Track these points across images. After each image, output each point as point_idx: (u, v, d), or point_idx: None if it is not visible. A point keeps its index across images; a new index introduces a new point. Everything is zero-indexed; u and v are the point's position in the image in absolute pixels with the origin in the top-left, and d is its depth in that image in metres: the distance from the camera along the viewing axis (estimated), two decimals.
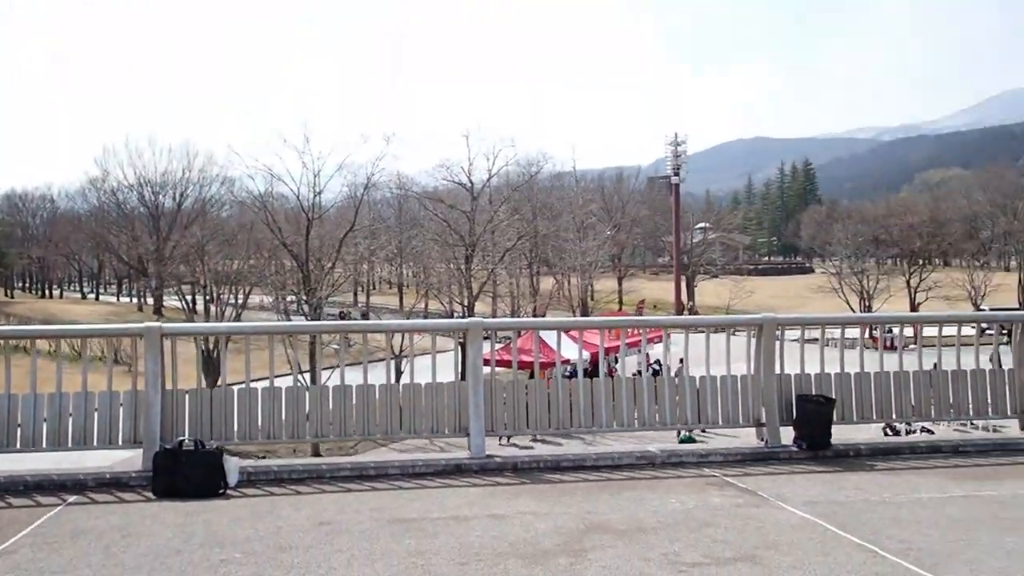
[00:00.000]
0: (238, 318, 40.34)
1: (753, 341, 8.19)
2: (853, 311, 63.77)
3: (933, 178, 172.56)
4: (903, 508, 6.14)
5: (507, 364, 10.36)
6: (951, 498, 6.45)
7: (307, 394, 7.35)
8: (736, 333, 8.49)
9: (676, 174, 78.11)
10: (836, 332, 8.70)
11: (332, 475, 6.89)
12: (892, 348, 8.75)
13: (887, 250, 78.14)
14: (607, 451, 7.85)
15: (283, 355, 10.90)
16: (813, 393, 8.13)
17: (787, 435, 8.02)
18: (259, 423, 7.22)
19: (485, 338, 7.96)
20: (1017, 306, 66.86)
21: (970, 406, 8.43)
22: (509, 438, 15.62)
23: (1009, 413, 8.57)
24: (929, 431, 13.02)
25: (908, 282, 67.58)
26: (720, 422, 8.11)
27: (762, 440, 8.09)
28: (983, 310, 65.44)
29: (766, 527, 5.63)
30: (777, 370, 8.15)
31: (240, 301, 42.27)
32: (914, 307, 65.97)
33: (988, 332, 9.88)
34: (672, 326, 8.59)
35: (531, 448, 16.91)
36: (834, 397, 8.11)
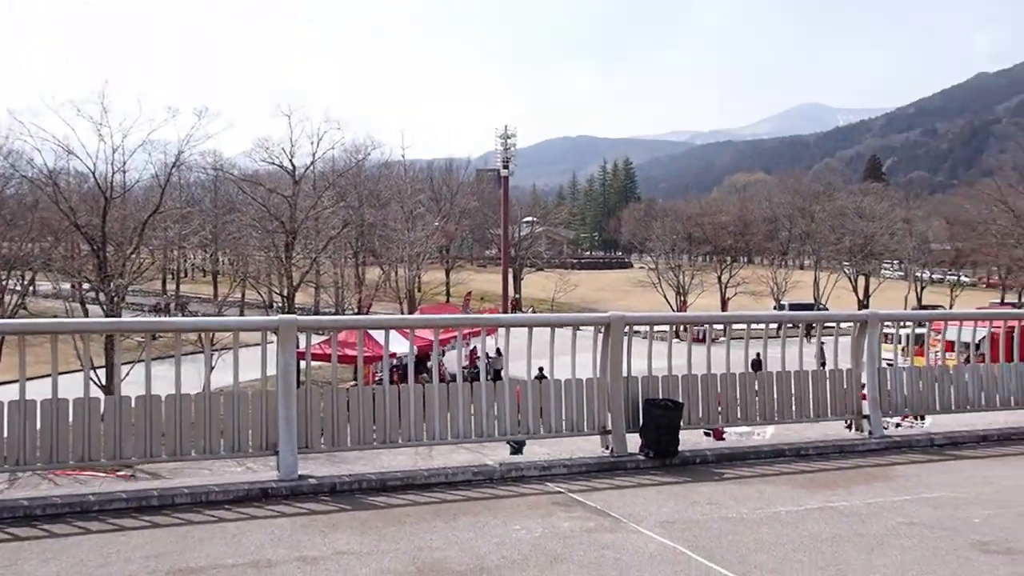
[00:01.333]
0: (21, 307, 36.24)
1: (599, 342, 7.53)
2: (671, 305, 66.23)
3: (740, 181, 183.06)
4: (763, 526, 5.62)
5: (328, 358, 9.24)
6: (808, 512, 6.01)
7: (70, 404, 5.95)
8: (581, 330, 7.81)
9: (505, 167, 78.24)
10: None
11: (102, 508, 5.52)
12: (701, 341, 8.40)
13: (700, 247, 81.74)
14: (440, 466, 6.94)
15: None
16: (660, 397, 7.59)
17: (633, 442, 7.44)
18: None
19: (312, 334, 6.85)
20: (812, 301, 71.66)
21: (811, 408, 8.17)
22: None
23: (846, 414, 8.39)
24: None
25: (719, 278, 70.88)
26: (564, 430, 7.39)
27: (607, 448, 7.45)
28: (783, 306, 69.82)
29: (624, 559, 4.90)
30: (624, 372, 7.54)
31: (24, 287, 37.90)
32: (724, 302, 69.32)
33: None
34: (513, 324, 7.79)
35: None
36: (682, 401, 7.60)
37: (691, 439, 8.02)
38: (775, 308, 70.32)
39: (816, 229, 75.87)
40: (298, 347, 7.02)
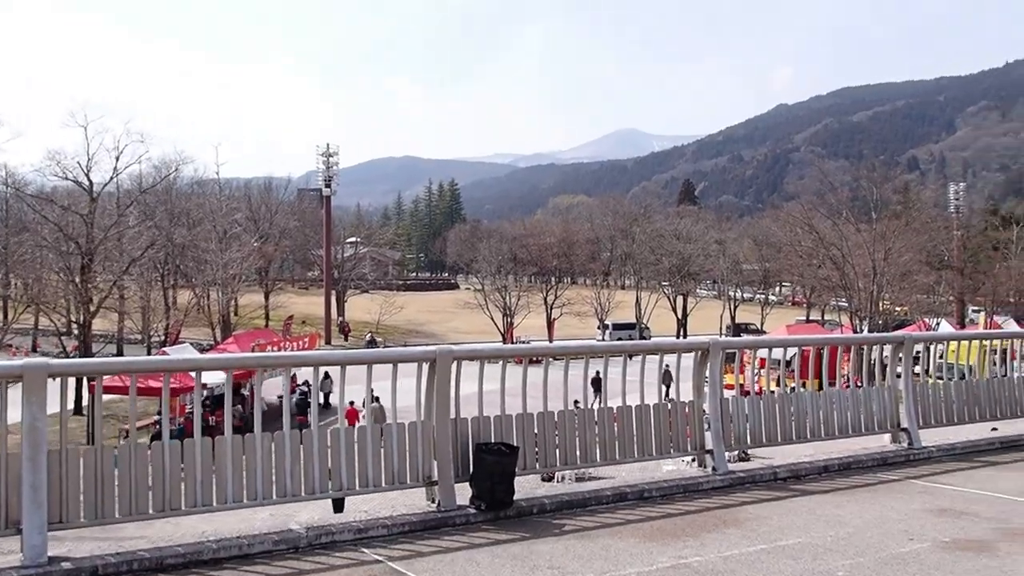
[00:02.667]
0: None
1: (424, 379, 6.58)
2: (497, 327, 66.17)
3: (563, 203, 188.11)
4: None
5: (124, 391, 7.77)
6: (660, 572, 5.29)
7: None
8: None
9: (327, 186, 75.99)
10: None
11: None
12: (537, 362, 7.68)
13: (525, 268, 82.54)
14: (232, 536, 5.73)
15: None
16: (493, 441, 6.72)
17: (463, 493, 6.53)
18: None
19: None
20: (634, 320, 73.83)
21: (653, 446, 7.55)
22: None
23: (689, 449, 7.86)
24: None
25: (545, 299, 71.66)
26: (384, 483, 6.38)
27: (434, 502, 6.49)
28: (607, 326, 71.48)
29: None
30: (453, 414, 6.62)
31: None
32: (550, 323, 70.09)
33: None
34: (321, 363, 6.72)
35: None
36: (517, 445, 6.76)
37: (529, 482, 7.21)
38: (599, 328, 71.90)
39: (637, 250, 78.37)
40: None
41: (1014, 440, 9.70)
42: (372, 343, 67.00)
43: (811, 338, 10.10)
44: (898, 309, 49.81)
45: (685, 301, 76.51)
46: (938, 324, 51.30)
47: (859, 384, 9.31)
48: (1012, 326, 51.39)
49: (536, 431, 7.01)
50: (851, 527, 6.33)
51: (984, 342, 10.00)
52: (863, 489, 7.61)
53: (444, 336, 75.30)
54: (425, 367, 6.57)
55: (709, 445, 7.81)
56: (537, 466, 7.02)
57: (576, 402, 7.34)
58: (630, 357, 7.86)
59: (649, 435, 7.52)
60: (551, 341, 67.19)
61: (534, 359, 7.72)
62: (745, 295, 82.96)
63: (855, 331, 45.13)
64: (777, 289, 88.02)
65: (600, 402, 7.62)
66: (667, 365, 8.30)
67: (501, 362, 7.00)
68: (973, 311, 63.14)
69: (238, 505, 5.90)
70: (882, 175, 55.57)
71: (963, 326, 55.41)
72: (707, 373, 7.87)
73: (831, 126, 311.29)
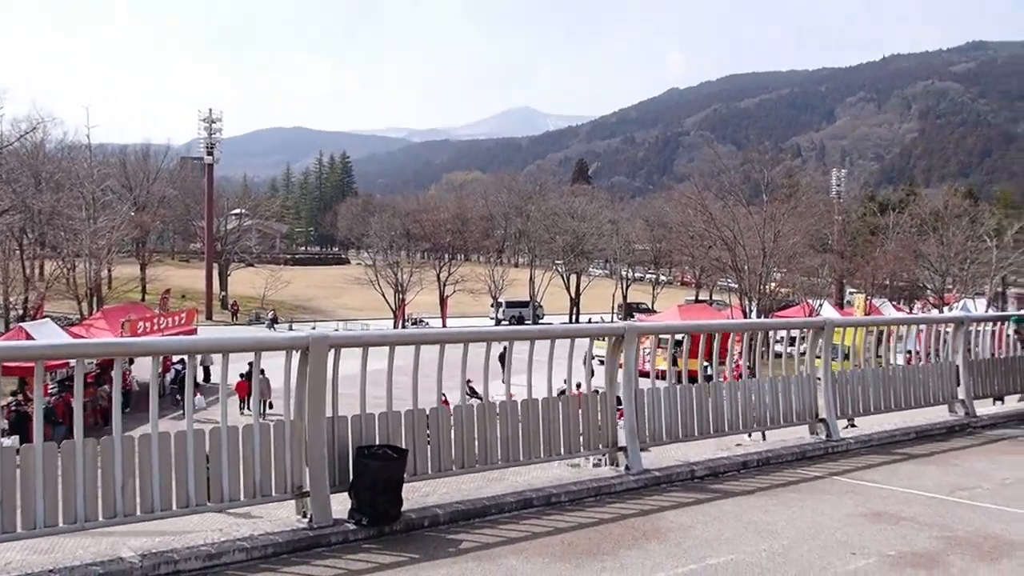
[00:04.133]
0: None
1: (295, 371, 5.48)
2: (389, 304, 64.64)
3: (457, 179, 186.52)
4: None
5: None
6: None
7: None
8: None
9: (210, 154, 72.45)
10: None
11: None
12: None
13: (419, 244, 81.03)
14: (46, 571, 4.52)
15: None
16: (377, 443, 5.69)
17: (341, 504, 5.50)
18: None
19: None
20: (528, 299, 73.55)
21: (562, 443, 6.68)
22: None
23: (601, 447, 7.00)
24: None
25: (438, 275, 70.46)
26: (243, 496, 5.27)
27: (305, 517, 5.43)
28: (500, 303, 70.93)
29: None
30: (329, 411, 5.56)
31: None
32: (443, 300, 68.99)
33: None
34: (158, 352, 5.55)
35: None
36: (405, 447, 5.75)
37: (418, 490, 6.20)
38: (492, 305, 71.29)
39: (531, 228, 77.93)
40: None
41: (926, 430, 9.30)
42: (274, 322, 64.52)
43: (729, 323, 9.47)
44: (783, 290, 50.94)
45: (578, 280, 76.66)
46: (821, 306, 52.81)
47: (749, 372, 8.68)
48: (888, 309, 53.41)
49: (429, 429, 6.02)
50: (785, 538, 5.60)
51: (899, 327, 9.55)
52: (787, 489, 6.94)
53: (332, 312, 73.23)
54: (295, 356, 5.47)
55: (622, 441, 6.98)
56: (429, 470, 6.02)
57: (471, 388, 6.39)
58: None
59: (557, 431, 6.65)
60: (444, 318, 66.18)
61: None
62: (636, 275, 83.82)
63: (744, 312, 45.85)
64: (668, 269, 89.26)
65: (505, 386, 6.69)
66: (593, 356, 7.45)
67: (388, 349, 5.95)
68: (850, 293, 65.42)
69: (51, 530, 4.70)
70: (773, 158, 56.72)
71: (842, 308, 57.29)
72: (621, 361, 7.04)
73: (720, 111, 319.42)
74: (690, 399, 7.49)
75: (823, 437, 8.42)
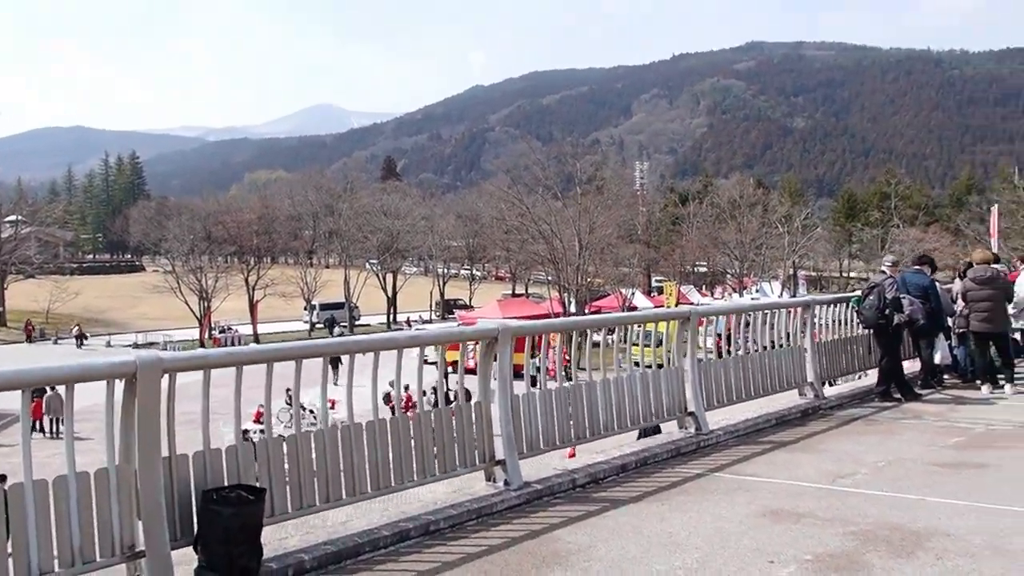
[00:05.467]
0: None
1: (119, 405, 4.42)
2: (193, 312, 60.84)
3: (261, 178, 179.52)
4: None
5: None
6: None
7: None
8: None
9: None
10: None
11: None
12: None
13: (223, 247, 76.98)
14: None
15: None
16: (228, 483, 4.73)
17: (186, 562, 4.51)
18: None
19: None
20: (344, 300, 71.55)
21: (435, 462, 5.93)
22: None
23: (477, 462, 6.31)
24: None
25: (246, 279, 67.15)
26: (58, 568, 4.16)
27: None
28: (314, 306, 68.54)
29: None
30: (166, 450, 4.53)
31: None
32: (253, 305, 65.80)
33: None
34: None
35: None
36: (263, 486, 4.82)
37: (276, 531, 5.26)
38: (305, 308, 68.78)
39: (343, 227, 75.82)
40: None
41: (784, 415, 9.29)
42: (82, 339, 58.94)
43: (605, 318, 9.00)
44: (597, 281, 52.26)
45: (395, 279, 75.48)
46: (633, 295, 54.69)
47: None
48: (695, 294, 56.11)
49: (287, 461, 5.11)
50: (695, 550, 5.13)
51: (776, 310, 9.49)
52: (675, 491, 6.53)
53: (129, 324, 68.25)
54: (119, 387, 4.40)
55: (500, 454, 6.32)
56: (290, 508, 5.10)
57: (310, 410, 5.50)
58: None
59: (430, 449, 5.90)
60: (255, 325, 63.09)
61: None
62: (452, 271, 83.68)
63: (563, 305, 46.58)
64: (483, 265, 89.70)
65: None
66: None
67: (235, 370, 4.98)
68: (657, 281, 68.35)
69: None
70: (582, 152, 58.09)
71: (649, 295, 59.69)
72: (495, 366, 6.39)
73: (524, 107, 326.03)
74: (566, 402, 6.96)
75: (692, 431, 8.15)
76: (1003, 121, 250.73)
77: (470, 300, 77.72)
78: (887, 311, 9.96)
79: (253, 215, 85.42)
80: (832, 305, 10.69)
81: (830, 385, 11.18)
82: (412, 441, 5.79)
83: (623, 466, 7.16)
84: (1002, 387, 10.65)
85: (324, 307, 69.13)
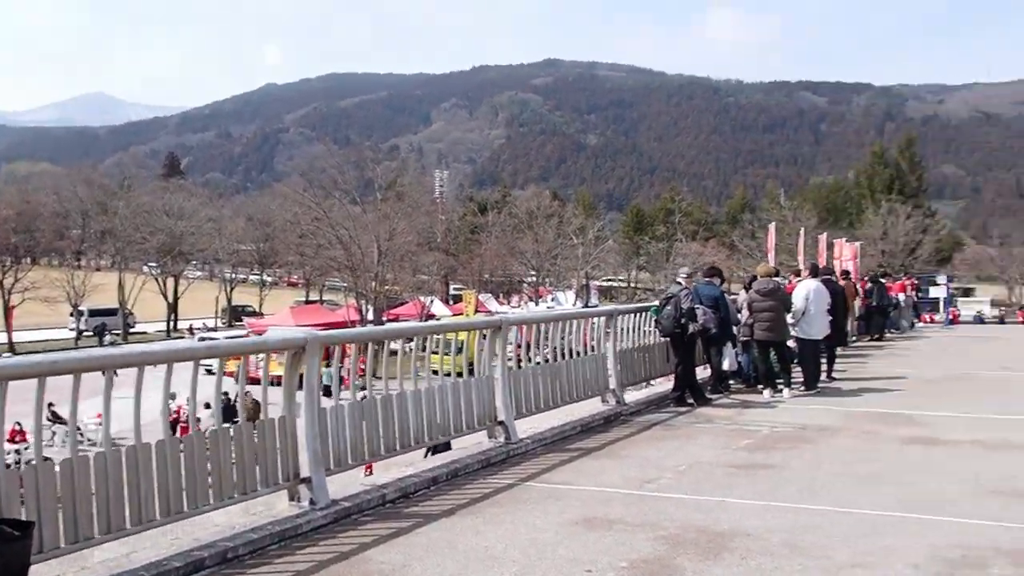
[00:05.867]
0: None
1: None
2: None
3: (21, 170, 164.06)
4: None
5: None
6: None
7: None
8: None
9: None
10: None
11: None
12: None
13: None
14: None
15: None
16: None
17: None
18: None
19: None
20: (117, 306, 66.56)
21: (234, 483, 5.47)
22: None
23: (280, 481, 5.87)
24: None
25: (1, 283, 60.79)
26: None
27: None
28: (82, 311, 63.18)
29: None
30: None
31: None
32: (8, 310, 59.67)
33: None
34: None
35: None
36: (29, 519, 4.20)
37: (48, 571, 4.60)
38: (72, 315, 63.27)
39: (118, 226, 70.48)
40: None
41: (588, 422, 9.45)
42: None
43: (419, 326, 8.73)
44: (396, 288, 51.81)
45: (176, 283, 71.14)
46: (431, 302, 54.69)
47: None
48: (492, 303, 56.98)
49: (60, 488, 4.49)
50: (513, 564, 5.01)
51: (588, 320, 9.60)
52: (488, 503, 6.40)
53: None
54: None
55: (306, 472, 5.93)
56: (63, 543, 4.48)
57: (53, 413, 4.91)
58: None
59: (228, 468, 5.42)
60: (9, 332, 57.28)
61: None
62: (240, 276, 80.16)
63: (360, 313, 45.73)
64: (274, 270, 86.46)
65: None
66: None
67: (37, 382, 4.32)
68: (455, 289, 68.82)
69: None
70: (384, 156, 57.42)
71: (448, 303, 60.01)
72: (303, 376, 5.99)
73: (320, 109, 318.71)
74: (376, 414, 6.66)
75: (502, 440, 8.08)
76: (770, 147, 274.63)
77: (260, 307, 74.69)
78: (683, 320, 10.40)
79: (11, 211, 77.44)
80: (633, 315, 11.03)
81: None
82: (208, 461, 5.30)
83: (434, 479, 6.95)
84: (781, 391, 11.42)
85: (94, 313, 63.86)
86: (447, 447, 8.58)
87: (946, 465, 7.35)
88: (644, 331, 11.23)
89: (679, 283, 10.90)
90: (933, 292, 30.80)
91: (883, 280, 22.53)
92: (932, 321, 28.75)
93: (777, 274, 12.67)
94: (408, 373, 7.28)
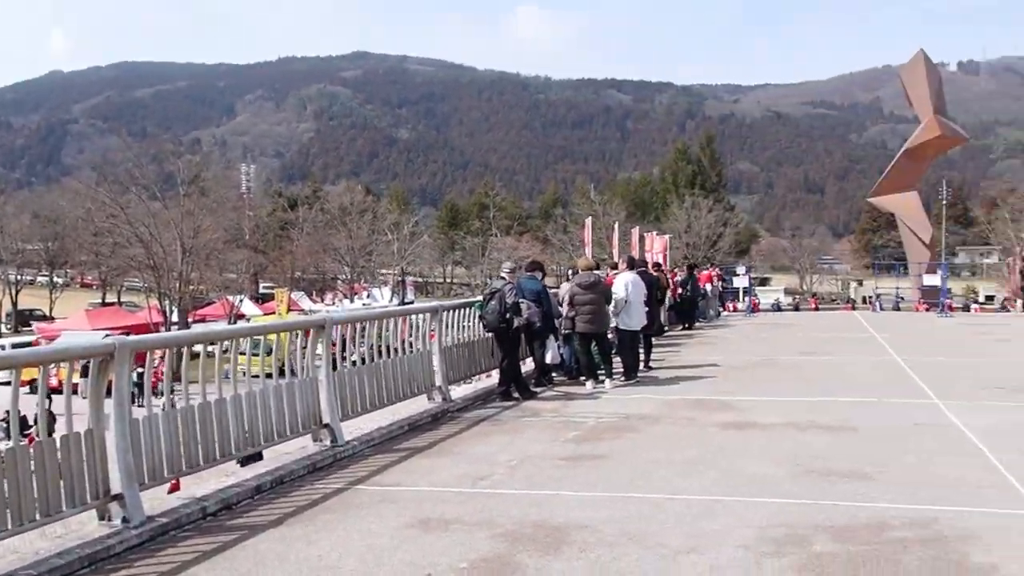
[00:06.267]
0: None
1: None
2: None
3: None
4: None
5: None
6: None
7: None
8: None
9: None
10: None
11: None
12: None
13: None
14: None
15: None
16: None
17: None
18: None
19: None
20: None
21: (36, 505, 4.94)
22: None
23: (89, 499, 5.37)
24: None
25: None
26: None
27: None
28: None
29: None
30: None
31: None
32: None
33: None
34: None
35: None
36: None
37: None
38: None
39: None
40: None
41: (416, 420, 9.33)
42: None
43: (239, 328, 8.23)
44: (202, 288, 49.34)
45: None
46: (241, 302, 52.52)
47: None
48: (306, 301, 55.47)
49: None
50: (350, 573, 4.84)
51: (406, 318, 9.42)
52: (319, 509, 6.15)
53: None
54: None
55: (117, 488, 5.46)
56: None
57: None
58: None
59: (28, 488, 4.89)
60: None
61: None
62: (27, 277, 73.69)
63: (164, 314, 43.16)
64: (66, 270, 79.98)
65: None
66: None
67: None
68: (265, 287, 66.42)
69: None
70: (185, 150, 54.31)
71: (259, 301, 57.84)
72: (111, 385, 5.51)
73: (113, 99, 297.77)
74: (193, 422, 6.24)
75: (328, 444, 7.82)
76: (579, 143, 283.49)
77: (50, 310, 69.01)
78: (508, 315, 10.47)
79: None
80: (457, 310, 11.00)
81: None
82: (4, 480, 4.75)
83: (258, 487, 6.61)
84: (603, 382, 11.76)
85: None
86: (259, 457, 8.17)
87: (763, 448, 7.78)
88: (468, 327, 11.22)
89: (503, 278, 10.96)
90: (736, 282, 32.87)
91: (694, 271, 23.77)
92: (735, 310, 30.64)
93: (598, 267, 13.04)
94: (226, 376, 6.88)
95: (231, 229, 52.44)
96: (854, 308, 36.04)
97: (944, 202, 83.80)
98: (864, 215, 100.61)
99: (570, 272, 12.96)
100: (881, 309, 31.80)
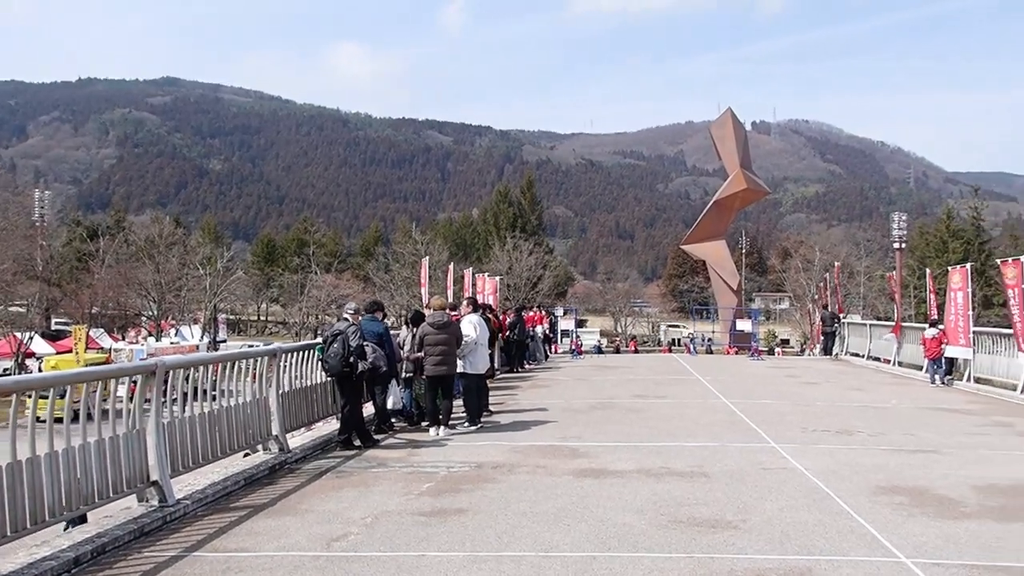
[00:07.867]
0: None
1: None
2: None
3: None
4: None
5: None
6: None
7: None
8: None
9: None
10: None
11: None
12: None
13: None
14: None
15: None
16: None
17: None
18: None
19: None
20: None
21: None
22: None
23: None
24: None
25: None
26: None
27: None
28: None
29: None
30: None
31: None
32: None
33: None
34: None
35: None
36: None
37: None
38: None
39: None
40: None
41: (252, 474, 8.56)
42: None
43: (62, 375, 7.14)
44: None
45: None
46: (31, 339, 47.97)
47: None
48: (106, 339, 51.39)
49: None
50: None
51: (239, 363, 8.61)
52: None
53: None
54: None
55: None
56: None
57: None
58: None
59: None
60: None
61: None
62: None
63: None
64: None
65: None
66: None
67: None
68: (58, 324, 61.14)
69: None
70: None
71: (53, 340, 53.05)
72: None
73: None
74: (17, 482, 5.33)
75: (156, 503, 6.97)
76: (399, 182, 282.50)
77: None
78: (351, 359, 9.88)
79: None
80: (297, 352, 10.28)
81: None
82: None
83: (76, 559, 5.73)
84: (451, 428, 11.33)
85: None
86: (83, 519, 7.18)
87: (625, 497, 7.57)
88: (306, 371, 10.51)
89: (346, 319, 10.36)
90: (563, 324, 33.33)
91: (522, 313, 23.81)
92: (557, 352, 31.05)
93: (454, 308, 12.67)
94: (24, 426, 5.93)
95: (21, 260, 47.90)
96: (671, 350, 37.50)
97: (743, 250, 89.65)
98: (671, 261, 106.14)
99: (411, 314, 12.54)
100: (695, 352, 33.26)
